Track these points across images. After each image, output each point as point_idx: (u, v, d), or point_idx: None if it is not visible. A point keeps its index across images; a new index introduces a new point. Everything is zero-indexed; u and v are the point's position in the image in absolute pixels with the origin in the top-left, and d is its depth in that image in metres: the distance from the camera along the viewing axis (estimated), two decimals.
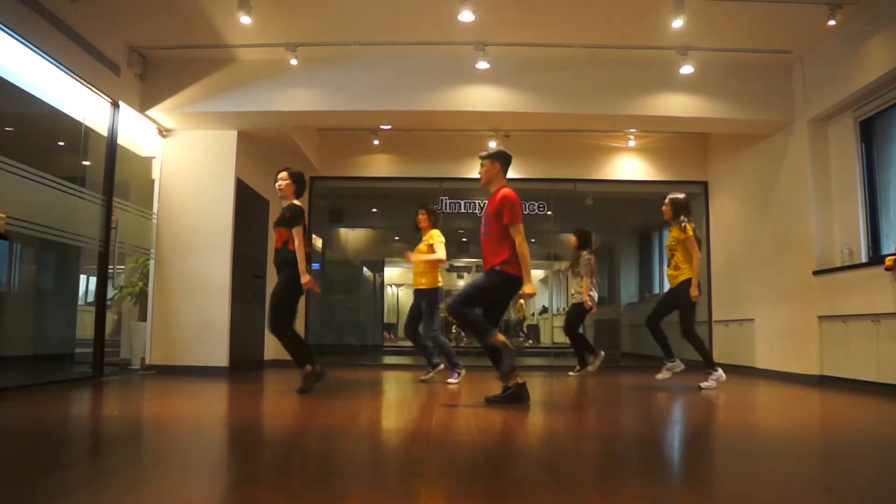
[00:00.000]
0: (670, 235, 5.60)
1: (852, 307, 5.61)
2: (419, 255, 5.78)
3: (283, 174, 4.88)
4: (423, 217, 5.96)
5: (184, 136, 6.81)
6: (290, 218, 4.69)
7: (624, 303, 12.08)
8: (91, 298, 6.37)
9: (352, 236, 13.74)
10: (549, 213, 9.13)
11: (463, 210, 9.11)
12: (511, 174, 9.70)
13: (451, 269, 16.05)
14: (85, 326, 6.27)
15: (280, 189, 4.85)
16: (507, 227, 4.09)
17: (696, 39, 6.05)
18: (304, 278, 4.60)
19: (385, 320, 15.06)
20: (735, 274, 7.91)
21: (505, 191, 4.22)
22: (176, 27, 5.91)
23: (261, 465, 2.43)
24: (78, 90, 5.44)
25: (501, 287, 4.11)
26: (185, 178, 6.72)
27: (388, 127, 8.27)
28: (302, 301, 8.98)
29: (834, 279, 5.93)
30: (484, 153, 4.39)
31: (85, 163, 5.82)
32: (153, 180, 6.74)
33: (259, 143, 7.36)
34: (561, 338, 7.45)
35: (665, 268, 5.75)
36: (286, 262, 4.67)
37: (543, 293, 18.70)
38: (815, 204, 6.29)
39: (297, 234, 4.67)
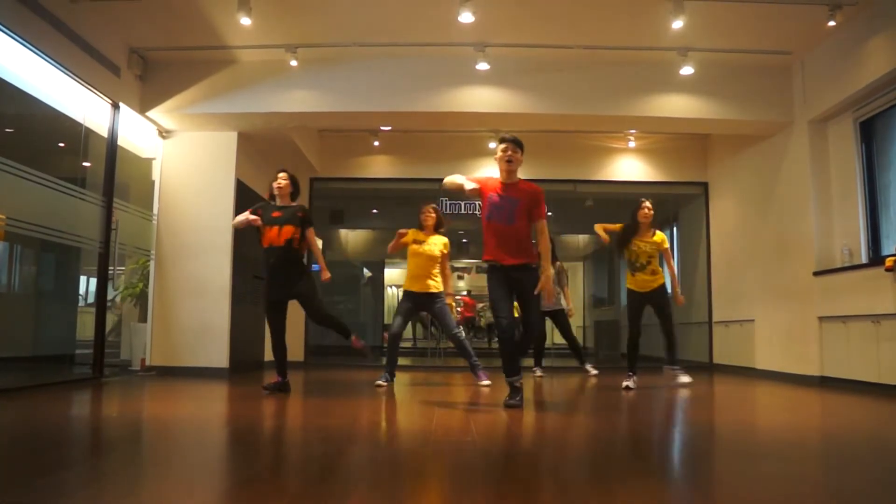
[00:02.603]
0: (650, 241, 5.47)
1: (852, 308, 5.61)
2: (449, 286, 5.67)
3: (284, 174, 4.97)
4: (433, 216, 5.64)
5: (184, 137, 6.82)
6: (308, 218, 4.89)
7: (624, 303, 12.06)
8: (91, 299, 6.37)
9: (352, 237, 13.73)
10: (549, 214, 9.09)
11: (463, 211, 9.09)
12: None
13: (452, 269, 16.02)
14: (85, 328, 6.27)
15: (279, 187, 4.90)
16: (537, 221, 4.09)
17: (696, 40, 6.05)
18: (327, 274, 4.93)
19: (385, 321, 15.04)
20: (735, 274, 7.91)
21: (531, 184, 4.15)
22: (176, 28, 5.92)
23: (261, 467, 2.43)
24: (78, 91, 5.44)
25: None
26: (185, 179, 6.73)
27: (388, 128, 8.28)
28: None
29: (834, 280, 5.93)
30: (510, 137, 4.07)
31: (85, 164, 5.82)
32: (153, 181, 6.74)
33: (259, 145, 7.37)
34: (561, 338, 7.41)
35: (638, 274, 5.45)
36: (295, 262, 4.79)
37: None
38: (815, 204, 6.29)
39: (312, 233, 4.90)
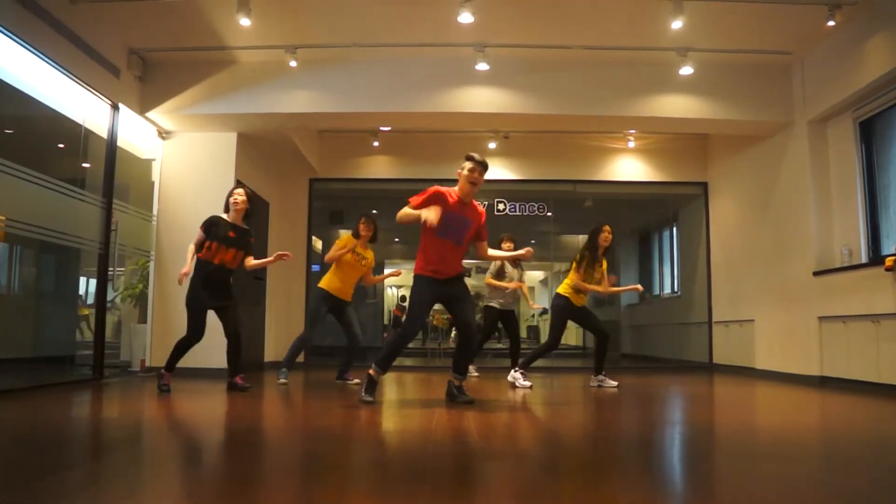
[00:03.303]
0: (600, 269, 5.60)
1: (852, 308, 5.61)
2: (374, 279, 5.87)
3: (242, 191, 4.97)
4: (371, 230, 5.66)
5: (183, 138, 6.82)
6: (252, 245, 5.01)
7: (624, 304, 12.07)
8: (92, 300, 6.36)
9: None
10: (548, 214, 9.13)
11: None
12: (511, 175, 9.70)
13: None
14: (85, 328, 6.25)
15: (236, 204, 4.89)
16: (485, 241, 4.30)
17: (696, 40, 6.05)
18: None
19: (385, 321, 15.04)
20: (735, 275, 7.91)
21: (478, 205, 4.30)
22: (175, 29, 5.92)
23: (261, 467, 2.43)
24: (78, 92, 5.44)
25: None
26: (184, 179, 6.73)
27: (388, 129, 8.28)
28: (303, 303, 8.96)
29: (834, 280, 5.93)
30: (480, 159, 4.12)
31: (85, 165, 5.82)
32: (153, 182, 6.74)
33: (259, 145, 7.37)
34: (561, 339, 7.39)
35: (581, 294, 5.60)
36: (232, 277, 4.97)
37: (543, 294, 18.70)
38: (815, 204, 6.29)
39: (251, 259, 4.98)
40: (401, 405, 4.46)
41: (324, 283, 5.61)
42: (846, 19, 5.47)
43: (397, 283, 18.48)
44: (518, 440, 3.10)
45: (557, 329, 5.61)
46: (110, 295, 6.80)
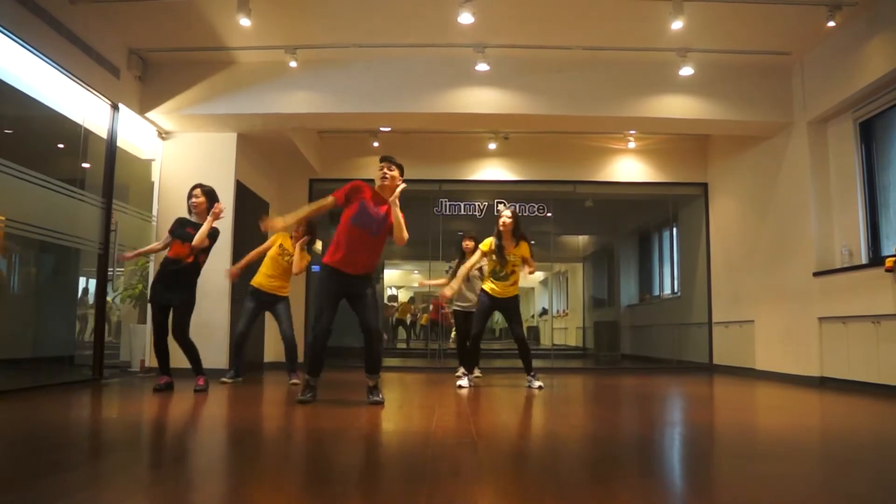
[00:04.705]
0: (512, 252, 5.43)
1: (852, 308, 5.61)
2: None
3: (199, 191, 4.97)
4: (301, 232, 5.70)
5: (183, 138, 6.82)
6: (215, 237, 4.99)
7: (623, 304, 12.09)
8: (91, 301, 6.35)
9: None
10: (548, 214, 9.14)
11: (462, 212, 9.11)
12: (511, 176, 9.70)
13: (451, 270, 16.01)
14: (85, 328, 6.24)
15: (195, 205, 4.92)
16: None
17: (696, 41, 6.05)
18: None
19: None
20: (735, 275, 7.91)
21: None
22: (175, 29, 5.92)
23: (260, 468, 2.43)
24: (77, 92, 5.44)
25: None
26: (184, 180, 6.68)
27: (388, 129, 8.28)
28: (302, 303, 8.96)
29: (834, 280, 5.93)
30: (389, 157, 4.27)
31: (85, 165, 5.82)
32: (153, 182, 6.74)
33: (259, 146, 7.37)
34: (560, 339, 7.40)
35: (501, 282, 5.45)
36: (194, 275, 4.96)
37: (543, 294, 18.71)
38: (815, 205, 6.29)
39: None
40: (401, 405, 4.46)
41: (253, 278, 5.75)
42: (846, 20, 5.47)
43: (397, 284, 18.48)
44: (518, 440, 3.10)
45: (476, 320, 5.60)
46: (110, 295, 6.80)
